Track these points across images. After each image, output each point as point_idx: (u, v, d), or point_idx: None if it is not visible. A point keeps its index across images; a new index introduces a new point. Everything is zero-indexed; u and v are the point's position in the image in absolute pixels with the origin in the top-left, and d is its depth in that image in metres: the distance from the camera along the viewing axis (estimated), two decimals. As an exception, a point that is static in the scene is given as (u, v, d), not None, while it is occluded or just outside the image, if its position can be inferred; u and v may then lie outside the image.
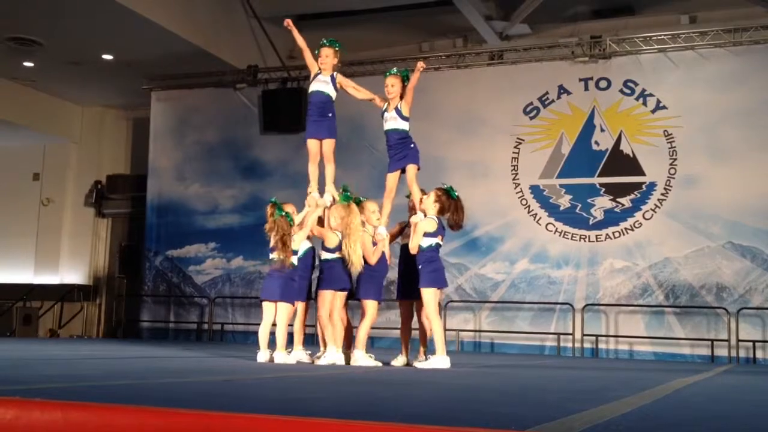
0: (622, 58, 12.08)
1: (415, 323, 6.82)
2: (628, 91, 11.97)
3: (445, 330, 8.38)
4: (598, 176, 11.91)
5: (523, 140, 12.32)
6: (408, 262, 6.55)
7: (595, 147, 12.00)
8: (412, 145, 6.65)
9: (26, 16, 11.72)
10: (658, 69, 11.89)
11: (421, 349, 6.71)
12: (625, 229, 11.68)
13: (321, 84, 6.79)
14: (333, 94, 6.82)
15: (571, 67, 12.27)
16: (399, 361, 6.66)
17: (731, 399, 4.28)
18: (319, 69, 6.81)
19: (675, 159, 11.59)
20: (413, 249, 6.34)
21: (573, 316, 11.66)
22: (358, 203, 6.61)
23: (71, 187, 16.24)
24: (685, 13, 12.65)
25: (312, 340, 7.72)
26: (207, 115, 14.43)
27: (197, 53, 13.12)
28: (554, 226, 12.00)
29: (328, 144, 6.77)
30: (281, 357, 6.44)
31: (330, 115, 6.80)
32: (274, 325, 6.53)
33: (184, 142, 14.52)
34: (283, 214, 6.36)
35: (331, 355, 6.43)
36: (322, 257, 6.63)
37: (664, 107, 11.76)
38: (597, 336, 11.60)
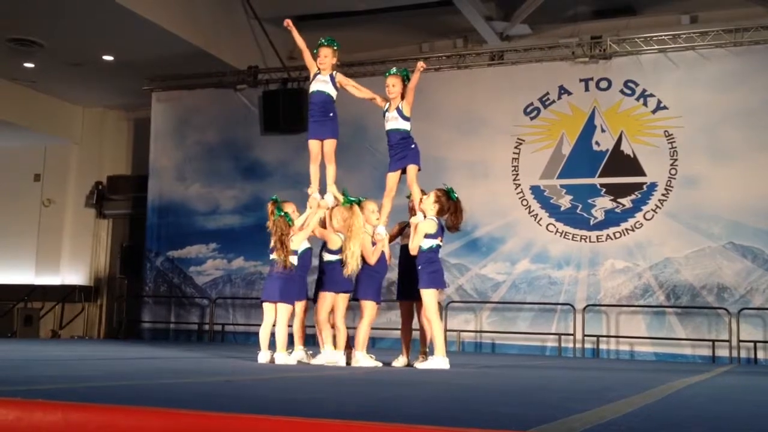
0: (622, 59, 12.07)
1: (415, 324, 6.82)
2: (628, 92, 11.97)
3: (446, 330, 8.38)
4: (599, 177, 11.90)
5: (524, 140, 12.32)
6: (408, 262, 6.54)
7: (595, 147, 11.99)
8: (413, 146, 6.64)
9: (26, 17, 11.72)
10: (658, 69, 11.88)
11: (422, 350, 6.70)
12: (626, 229, 11.67)
13: (321, 84, 6.77)
14: (333, 93, 6.81)
15: (571, 68, 12.26)
16: (400, 361, 6.66)
17: (732, 399, 4.28)
18: (318, 69, 6.80)
19: (676, 159, 11.58)
20: (413, 250, 6.34)
21: (574, 316, 11.65)
22: (358, 203, 6.60)
23: (72, 187, 16.24)
24: (685, 13, 12.63)
25: (312, 341, 7.72)
26: (207, 116, 14.43)
27: (198, 54, 13.12)
28: (555, 226, 12.00)
29: (330, 144, 6.75)
30: (282, 358, 6.44)
31: (331, 114, 6.78)
32: (274, 325, 6.53)
33: (184, 143, 14.53)
34: (282, 214, 6.36)
35: (329, 355, 6.42)
36: (324, 259, 6.61)
37: (665, 107, 11.75)
38: (598, 336, 11.60)
